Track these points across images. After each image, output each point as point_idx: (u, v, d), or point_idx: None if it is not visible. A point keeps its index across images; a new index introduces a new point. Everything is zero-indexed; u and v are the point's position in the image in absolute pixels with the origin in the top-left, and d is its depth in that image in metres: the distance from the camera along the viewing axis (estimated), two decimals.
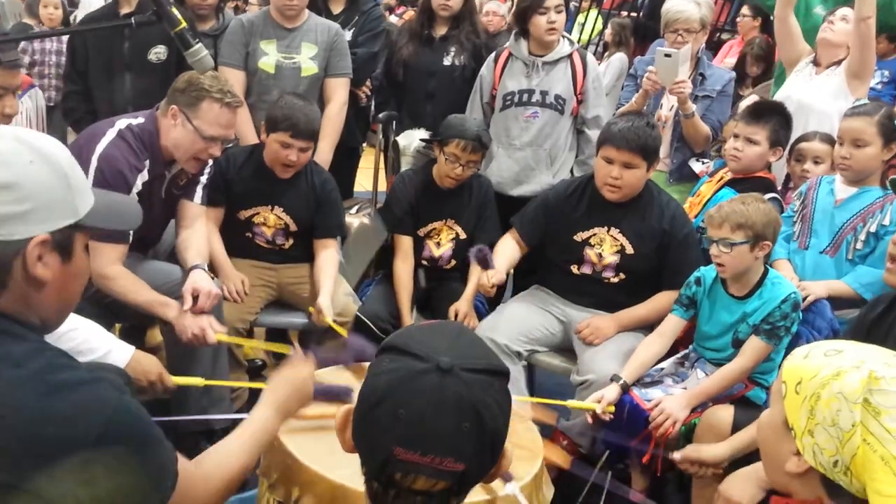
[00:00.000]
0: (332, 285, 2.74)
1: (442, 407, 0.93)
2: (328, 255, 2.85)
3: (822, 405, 0.98)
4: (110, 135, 2.35)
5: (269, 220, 2.84)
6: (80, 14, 5.28)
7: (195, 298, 2.33)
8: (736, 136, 2.84)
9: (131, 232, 2.35)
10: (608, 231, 2.68)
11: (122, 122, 2.39)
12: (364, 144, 4.01)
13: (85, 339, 1.83)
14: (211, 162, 2.58)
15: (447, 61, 3.45)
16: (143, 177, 2.39)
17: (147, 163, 2.39)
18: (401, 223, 2.97)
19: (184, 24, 1.88)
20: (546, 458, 1.86)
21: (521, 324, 2.67)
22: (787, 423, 1.03)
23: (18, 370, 0.98)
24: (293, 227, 2.85)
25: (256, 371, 3.15)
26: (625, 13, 7.24)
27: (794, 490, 1.05)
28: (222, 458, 1.28)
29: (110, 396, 1.02)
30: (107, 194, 1.25)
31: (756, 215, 2.27)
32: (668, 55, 3.06)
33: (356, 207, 3.54)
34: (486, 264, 2.59)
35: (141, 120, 2.42)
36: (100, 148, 2.32)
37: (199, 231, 2.59)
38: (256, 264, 2.85)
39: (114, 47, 3.10)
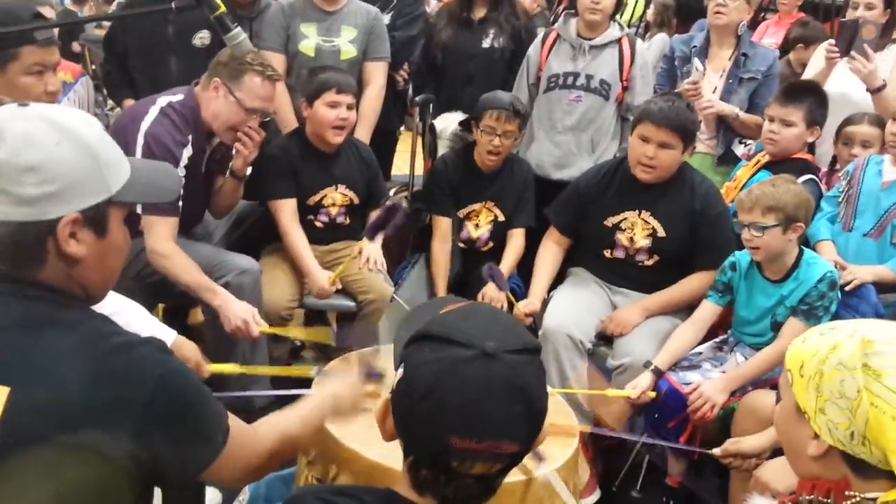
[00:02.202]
0: (380, 237, 2.80)
1: (492, 393, 0.94)
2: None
3: (827, 380, 0.99)
4: (153, 112, 2.41)
5: (337, 199, 2.88)
6: None
7: None
8: (771, 118, 2.78)
9: (181, 205, 2.41)
10: (639, 215, 2.65)
11: (162, 100, 2.45)
12: (402, 128, 4.02)
13: (127, 322, 1.86)
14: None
15: (486, 44, 3.43)
16: (188, 151, 2.45)
17: (190, 137, 2.45)
18: (440, 204, 2.98)
19: (223, 9, 1.89)
20: (599, 419, 1.86)
21: (588, 316, 2.63)
22: (799, 409, 1.03)
23: (74, 334, 1.02)
24: (356, 201, 2.90)
25: (296, 351, 3.20)
26: None
27: (821, 474, 1.04)
28: (279, 422, 1.31)
29: (160, 357, 1.06)
30: (146, 163, 1.25)
31: (786, 197, 2.24)
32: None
33: (393, 190, 3.56)
34: (496, 282, 2.54)
35: (181, 96, 2.48)
36: (144, 126, 2.38)
37: None
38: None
39: (158, 31, 3.14)
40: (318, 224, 2.89)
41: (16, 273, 1.05)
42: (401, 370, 0.99)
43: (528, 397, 0.96)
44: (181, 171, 2.42)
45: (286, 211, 2.78)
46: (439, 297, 2.86)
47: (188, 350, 2.01)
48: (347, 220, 2.93)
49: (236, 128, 2.49)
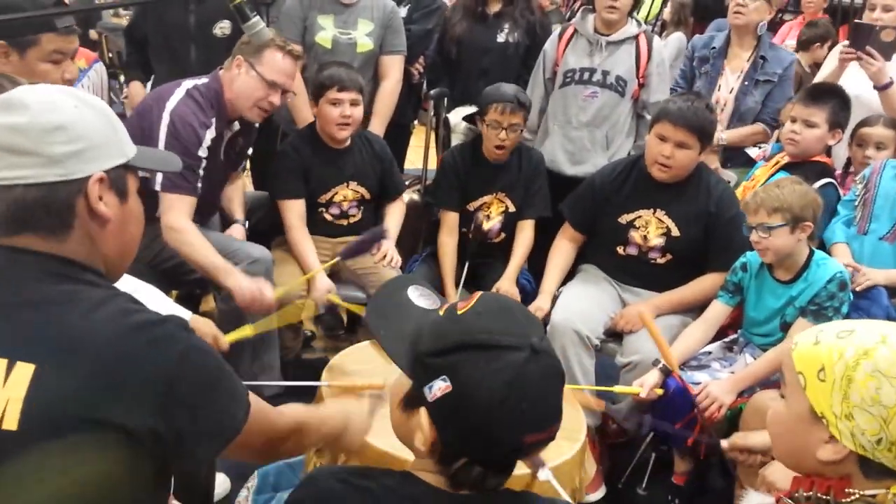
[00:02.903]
0: (396, 232, 2.90)
1: (550, 384, 1.02)
2: (396, 205, 3.01)
3: (858, 387, 0.96)
4: (179, 93, 2.45)
5: (348, 195, 2.91)
6: None
7: None
8: (793, 119, 2.77)
9: (199, 185, 2.44)
10: (654, 213, 2.64)
11: (188, 83, 2.49)
12: (415, 122, 4.02)
13: (145, 302, 1.89)
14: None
15: (501, 38, 3.43)
16: (211, 133, 2.48)
17: (213, 120, 2.49)
18: (448, 199, 2.99)
19: None
20: (583, 404, 1.92)
21: (597, 313, 2.63)
22: (814, 413, 1.00)
23: (99, 311, 1.03)
24: (368, 197, 2.92)
25: (306, 342, 3.21)
26: None
27: (823, 473, 1.02)
28: (299, 410, 1.33)
29: (181, 334, 1.07)
30: (145, 148, 1.30)
31: (792, 197, 2.23)
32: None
33: (406, 184, 3.56)
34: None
35: (205, 80, 2.53)
36: (170, 105, 2.42)
37: (239, 186, 2.86)
38: (316, 238, 2.87)
39: (179, 21, 3.15)
40: (329, 216, 2.91)
41: (42, 246, 1.06)
42: (443, 383, 0.98)
43: (563, 376, 1.05)
44: (203, 153, 2.45)
45: (293, 212, 2.81)
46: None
47: (203, 325, 2.03)
48: (359, 214, 2.95)
49: (260, 105, 2.52)
